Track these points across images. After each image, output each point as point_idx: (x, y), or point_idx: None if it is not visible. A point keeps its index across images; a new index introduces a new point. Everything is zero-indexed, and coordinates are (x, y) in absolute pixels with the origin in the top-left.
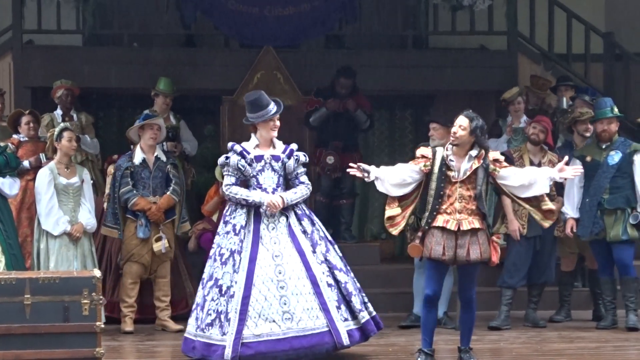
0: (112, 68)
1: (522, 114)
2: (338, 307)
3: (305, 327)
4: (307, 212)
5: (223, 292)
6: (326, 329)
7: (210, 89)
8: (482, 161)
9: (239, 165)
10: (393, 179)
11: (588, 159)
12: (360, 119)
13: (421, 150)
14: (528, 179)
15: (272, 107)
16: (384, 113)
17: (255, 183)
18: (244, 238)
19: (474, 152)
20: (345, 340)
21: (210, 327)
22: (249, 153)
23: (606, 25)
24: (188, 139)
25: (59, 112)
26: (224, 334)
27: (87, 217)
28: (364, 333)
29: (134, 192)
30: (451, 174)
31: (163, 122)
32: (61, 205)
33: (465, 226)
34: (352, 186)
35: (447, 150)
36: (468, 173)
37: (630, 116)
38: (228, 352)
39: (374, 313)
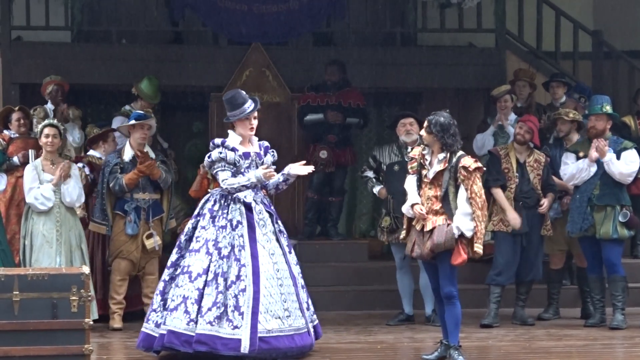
0: (100, 64)
1: (509, 112)
2: (307, 309)
3: (299, 327)
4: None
5: (228, 286)
6: (306, 329)
7: (199, 85)
8: (447, 164)
9: (235, 160)
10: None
11: (581, 154)
12: (352, 124)
13: (412, 152)
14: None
15: (249, 106)
16: (372, 110)
17: None
18: (243, 234)
19: (441, 155)
20: (314, 341)
21: (219, 321)
22: (237, 150)
23: (594, 23)
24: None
25: (50, 106)
26: (235, 327)
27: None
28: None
29: (119, 175)
30: (424, 172)
31: (155, 122)
32: None
33: (429, 226)
34: (343, 184)
35: (424, 150)
36: (434, 174)
37: (619, 114)
38: (245, 345)
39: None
